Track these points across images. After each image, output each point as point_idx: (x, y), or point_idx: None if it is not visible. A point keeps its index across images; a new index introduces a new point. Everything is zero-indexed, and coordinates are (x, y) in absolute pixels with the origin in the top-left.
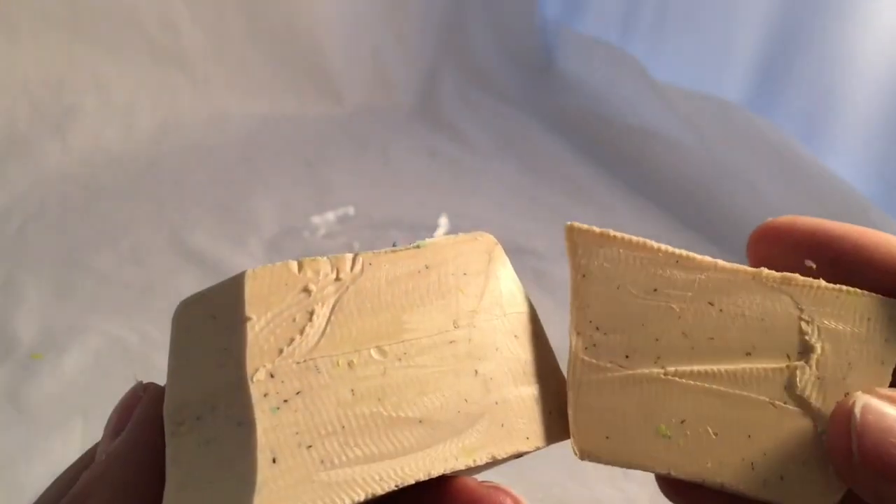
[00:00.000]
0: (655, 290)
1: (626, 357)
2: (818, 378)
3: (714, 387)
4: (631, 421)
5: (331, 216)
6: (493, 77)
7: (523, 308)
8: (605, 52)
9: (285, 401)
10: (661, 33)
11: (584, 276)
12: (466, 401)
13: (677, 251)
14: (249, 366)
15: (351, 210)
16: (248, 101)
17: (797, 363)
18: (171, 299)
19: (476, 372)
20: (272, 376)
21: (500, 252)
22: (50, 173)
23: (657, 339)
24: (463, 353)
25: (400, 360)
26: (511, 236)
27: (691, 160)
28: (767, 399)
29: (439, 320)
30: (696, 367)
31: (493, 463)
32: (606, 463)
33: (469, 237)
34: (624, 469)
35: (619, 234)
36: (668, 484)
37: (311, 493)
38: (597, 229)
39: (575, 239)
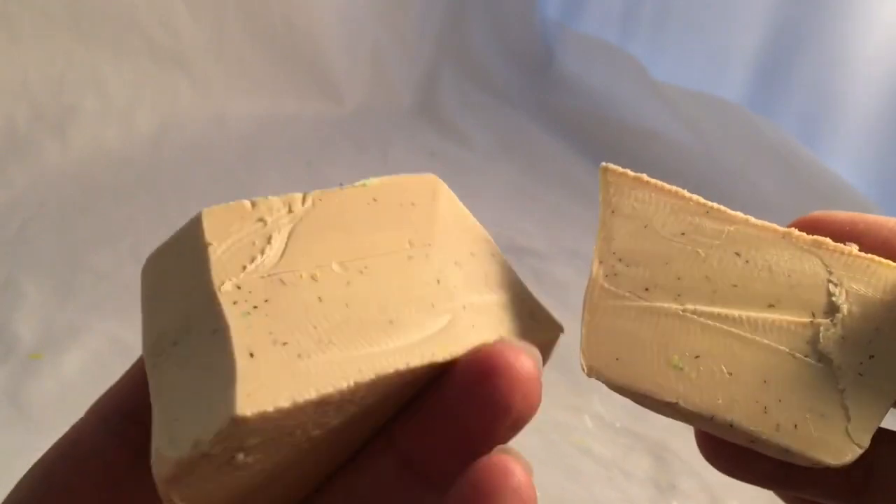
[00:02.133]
0: (683, 233)
1: (646, 290)
2: (842, 338)
3: (733, 329)
4: (644, 347)
5: None
6: (493, 77)
7: (476, 231)
8: (605, 52)
9: (255, 307)
10: (662, 33)
11: (613, 211)
12: (433, 305)
13: (709, 203)
14: (216, 280)
15: None
16: (248, 101)
17: (822, 320)
18: None
19: (438, 281)
20: (239, 288)
21: (445, 188)
22: (50, 173)
23: (679, 278)
24: (423, 267)
25: (361, 272)
26: (511, 236)
27: (691, 160)
28: (788, 350)
29: (395, 240)
30: (716, 310)
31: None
32: (612, 384)
33: (413, 176)
34: (624, 469)
35: (652, 180)
36: (708, 443)
37: (293, 382)
38: (631, 173)
39: (608, 179)
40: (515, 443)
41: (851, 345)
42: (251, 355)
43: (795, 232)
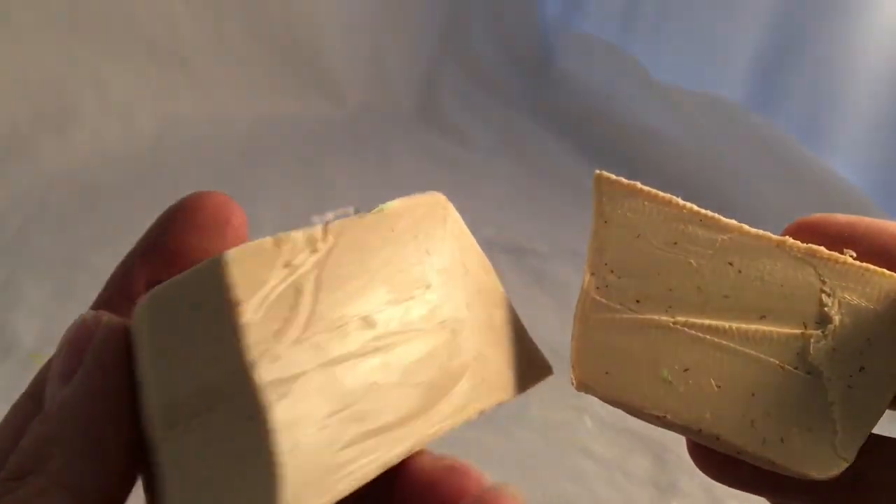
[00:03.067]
0: (675, 243)
1: (637, 302)
2: (833, 349)
3: (723, 342)
4: (633, 361)
5: (331, 216)
6: (493, 77)
7: (482, 263)
8: (606, 51)
9: (292, 386)
10: (662, 33)
11: (605, 221)
12: (450, 359)
13: (702, 210)
14: (250, 354)
15: (351, 210)
16: (248, 101)
17: (813, 332)
18: None
19: (454, 331)
20: (274, 361)
21: (452, 210)
22: (50, 173)
23: (670, 290)
24: (440, 314)
25: (387, 326)
26: (511, 236)
27: (691, 160)
28: (777, 362)
29: (413, 282)
30: (706, 321)
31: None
32: (602, 397)
33: (423, 198)
34: (624, 469)
35: (645, 188)
36: (699, 452)
37: (332, 476)
38: (624, 180)
39: (602, 187)
40: (516, 442)
41: (842, 357)
42: (291, 451)
43: (790, 240)
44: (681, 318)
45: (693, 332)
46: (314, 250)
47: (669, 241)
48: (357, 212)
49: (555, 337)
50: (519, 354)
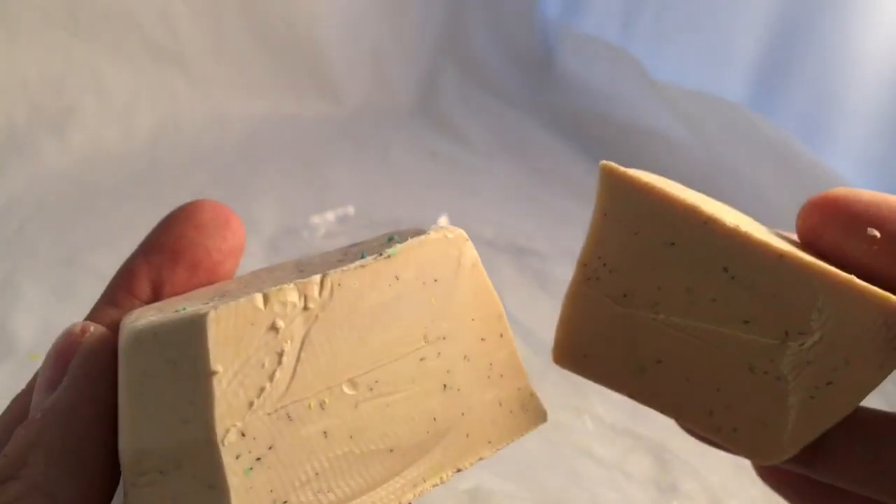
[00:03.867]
0: (673, 244)
1: (624, 296)
2: (806, 362)
3: (700, 341)
4: (612, 347)
5: (330, 216)
6: (493, 77)
7: (492, 308)
8: (606, 51)
9: (258, 459)
10: (662, 33)
11: (605, 214)
12: (435, 419)
13: (707, 212)
14: (219, 427)
15: (351, 210)
16: (248, 101)
17: (791, 343)
18: None
19: (445, 386)
20: (243, 435)
21: (469, 249)
22: (49, 173)
23: (659, 288)
24: (432, 370)
25: (371, 389)
26: (511, 236)
27: (691, 159)
28: (749, 364)
29: (409, 337)
30: (689, 322)
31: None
32: (580, 374)
33: (440, 237)
34: (624, 470)
35: (652, 183)
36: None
37: None
38: (631, 173)
39: (605, 179)
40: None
41: (814, 370)
42: None
43: (790, 255)
44: (663, 317)
45: (673, 330)
46: (306, 307)
47: (667, 241)
48: (356, 212)
49: (552, 336)
50: (513, 402)
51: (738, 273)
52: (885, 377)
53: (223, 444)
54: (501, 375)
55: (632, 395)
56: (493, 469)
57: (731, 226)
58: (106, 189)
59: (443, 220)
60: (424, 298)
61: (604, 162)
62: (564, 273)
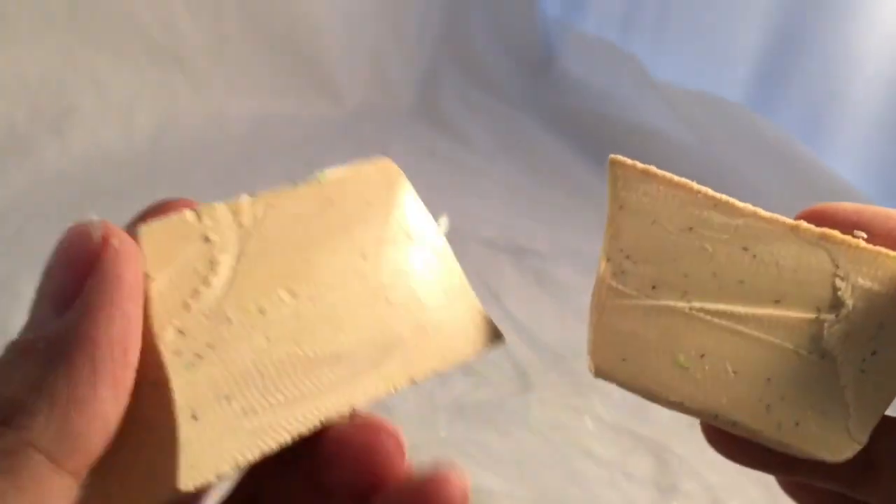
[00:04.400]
0: (691, 228)
1: (653, 288)
2: (846, 333)
3: (738, 327)
4: (650, 347)
5: None
6: (493, 77)
7: (432, 234)
8: (606, 51)
9: (198, 356)
10: (662, 33)
11: (621, 207)
12: (382, 330)
13: (718, 195)
14: (156, 325)
15: None
16: (248, 101)
17: (826, 316)
18: None
19: (388, 300)
20: (182, 333)
21: (403, 180)
22: (49, 173)
23: (686, 275)
24: (374, 284)
25: (311, 299)
26: (511, 236)
27: (691, 159)
28: (791, 346)
29: (346, 254)
30: (722, 307)
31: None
32: (620, 383)
33: (370, 166)
34: (625, 470)
35: (660, 172)
36: (713, 433)
37: (236, 443)
38: (640, 165)
39: (617, 172)
40: (516, 442)
41: (855, 341)
42: (194, 417)
43: (804, 225)
44: (696, 304)
45: (709, 317)
46: (240, 225)
47: (685, 226)
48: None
49: (555, 337)
50: (466, 322)
51: (758, 251)
52: None
53: (161, 341)
54: (447, 295)
55: (681, 400)
56: (493, 469)
57: (742, 205)
58: (106, 189)
59: (443, 220)
60: (358, 219)
61: (613, 156)
62: (564, 273)
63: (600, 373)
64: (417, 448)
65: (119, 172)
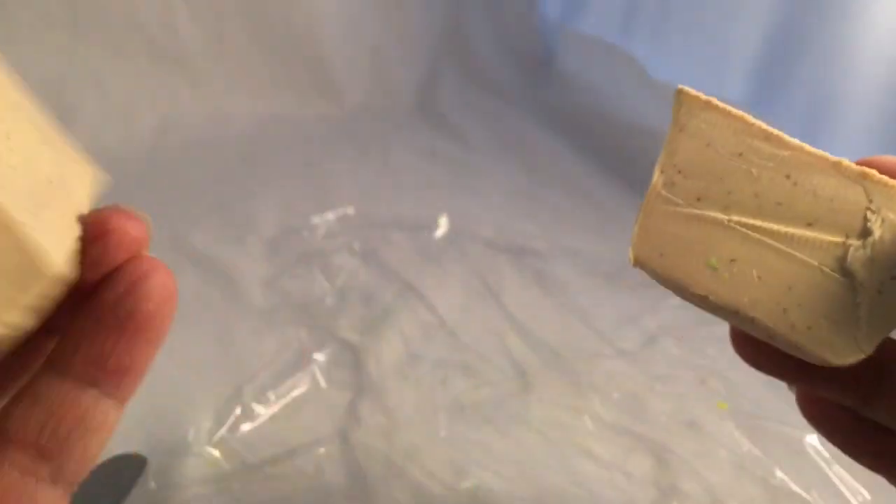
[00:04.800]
0: (741, 154)
1: (698, 199)
2: (870, 259)
3: (770, 241)
4: (686, 247)
5: (331, 216)
6: (493, 77)
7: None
8: (606, 51)
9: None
10: (662, 33)
11: (680, 129)
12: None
13: (769, 128)
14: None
15: (351, 210)
16: (248, 101)
17: (853, 242)
18: None
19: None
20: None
21: None
22: None
23: (730, 193)
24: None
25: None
26: (511, 236)
27: None
28: (816, 263)
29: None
30: (758, 222)
31: None
32: (653, 274)
33: None
34: (624, 470)
35: (721, 105)
36: (739, 339)
37: None
38: (703, 96)
39: (682, 99)
40: (515, 442)
41: (877, 265)
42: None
43: (845, 162)
44: (735, 218)
45: (744, 230)
46: None
47: (735, 151)
48: (356, 211)
49: (554, 336)
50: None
51: (799, 180)
52: None
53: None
54: (49, 144)
55: (706, 294)
56: (493, 469)
57: (791, 139)
58: (107, 190)
59: (443, 220)
60: None
61: (681, 86)
62: (564, 273)
63: (638, 262)
64: (417, 448)
65: (120, 172)
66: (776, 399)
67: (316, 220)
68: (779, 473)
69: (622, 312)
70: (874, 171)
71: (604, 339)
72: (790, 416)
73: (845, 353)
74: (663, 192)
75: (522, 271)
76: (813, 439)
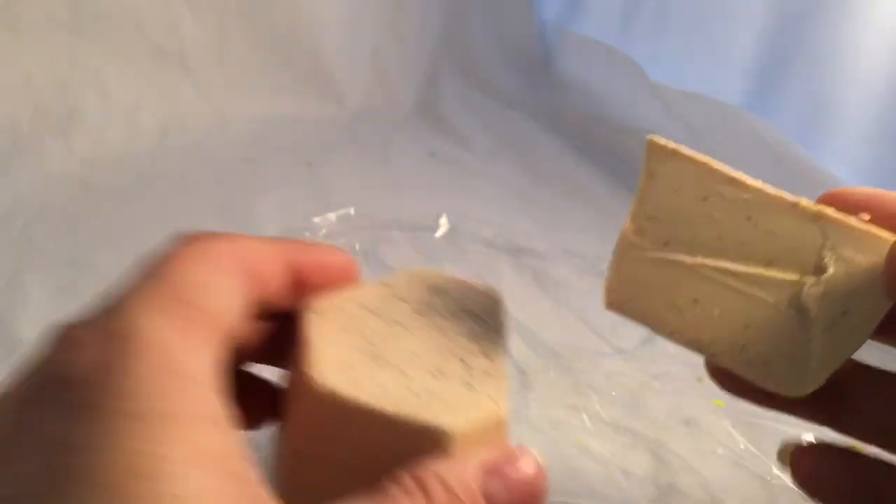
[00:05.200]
0: (705, 199)
1: (665, 244)
2: (823, 294)
3: (730, 282)
4: (654, 290)
5: (331, 216)
6: (492, 78)
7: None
8: (604, 53)
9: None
10: (660, 35)
11: (650, 177)
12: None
13: (732, 173)
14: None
15: (351, 210)
16: (249, 103)
17: (808, 278)
18: None
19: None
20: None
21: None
22: (53, 174)
23: (695, 236)
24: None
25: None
26: (511, 237)
27: None
28: (773, 301)
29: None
30: (721, 263)
31: None
32: (627, 316)
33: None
34: (623, 468)
35: (687, 152)
36: (712, 368)
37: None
38: (671, 145)
39: (651, 149)
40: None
41: (830, 301)
42: None
43: (803, 202)
44: (699, 260)
45: (707, 271)
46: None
47: (700, 196)
48: (357, 212)
49: (553, 336)
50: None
51: (760, 221)
52: (890, 305)
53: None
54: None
55: (671, 333)
56: None
57: (752, 182)
58: (110, 190)
59: (442, 221)
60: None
61: (650, 136)
62: (563, 273)
63: (611, 306)
64: None
65: (123, 173)
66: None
67: (317, 220)
68: (776, 471)
69: None
70: (830, 210)
71: (602, 339)
72: (788, 415)
73: (798, 387)
74: (633, 238)
75: (522, 271)
76: (809, 437)
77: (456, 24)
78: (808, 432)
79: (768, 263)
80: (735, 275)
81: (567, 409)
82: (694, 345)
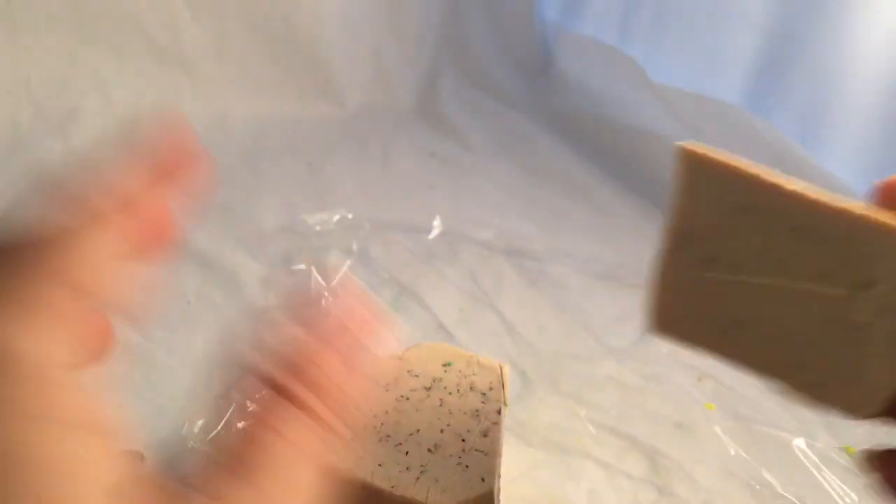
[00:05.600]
0: (745, 210)
1: (708, 261)
2: (879, 308)
3: (778, 299)
4: (701, 311)
5: (330, 216)
6: (492, 78)
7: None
8: (604, 53)
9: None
10: (660, 35)
11: (684, 189)
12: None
13: (774, 179)
14: None
15: (350, 210)
16: (249, 102)
17: (859, 293)
18: (172, 299)
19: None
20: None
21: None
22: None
23: (738, 251)
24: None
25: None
26: (509, 237)
27: None
28: (829, 317)
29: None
30: (766, 280)
31: None
32: (671, 342)
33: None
34: (622, 471)
35: (721, 158)
36: (879, 461)
37: None
38: (701, 150)
39: (685, 158)
40: (515, 443)
41: (886, 316)
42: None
43: (852, 208)
44: (744, 278)
45: (753, 290)
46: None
47: (739, 207)
48: (356, 212)
49: (552, 337)
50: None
51: (805, 231)
52: None
53: None
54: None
55: (724, 357)
56: None
57: (791, 188)
58: None
59: (436, 223)
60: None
61: (682, 144)
62: (563, 274)
63: (655, 332)
64: None
65: None
66: (768, 400)
67: (316, 220)
68: (767, 476)
69: (619, 312)
70: (873, 215)
71: (600, 340)
72: (780, 419)
73: (860, 407)
74: (672, 258)
75: (520, 272)
76: (801, 442)
77: (456, 24)
78: (801, 437)
79: (817, 277)
80: (783, 291)
81: (566, 410)
82: (748, 369)
